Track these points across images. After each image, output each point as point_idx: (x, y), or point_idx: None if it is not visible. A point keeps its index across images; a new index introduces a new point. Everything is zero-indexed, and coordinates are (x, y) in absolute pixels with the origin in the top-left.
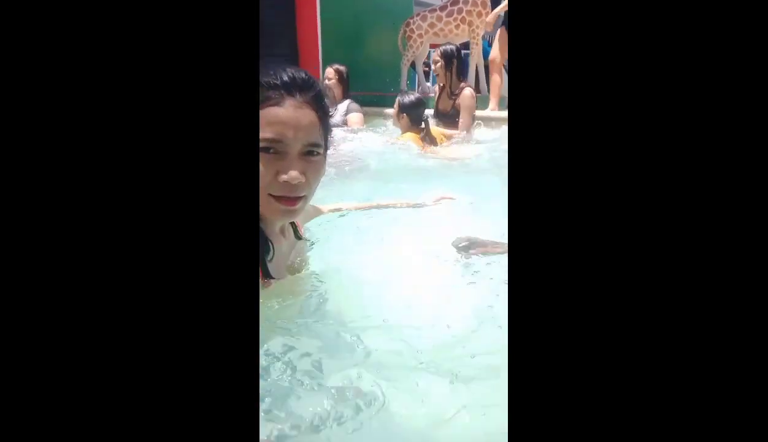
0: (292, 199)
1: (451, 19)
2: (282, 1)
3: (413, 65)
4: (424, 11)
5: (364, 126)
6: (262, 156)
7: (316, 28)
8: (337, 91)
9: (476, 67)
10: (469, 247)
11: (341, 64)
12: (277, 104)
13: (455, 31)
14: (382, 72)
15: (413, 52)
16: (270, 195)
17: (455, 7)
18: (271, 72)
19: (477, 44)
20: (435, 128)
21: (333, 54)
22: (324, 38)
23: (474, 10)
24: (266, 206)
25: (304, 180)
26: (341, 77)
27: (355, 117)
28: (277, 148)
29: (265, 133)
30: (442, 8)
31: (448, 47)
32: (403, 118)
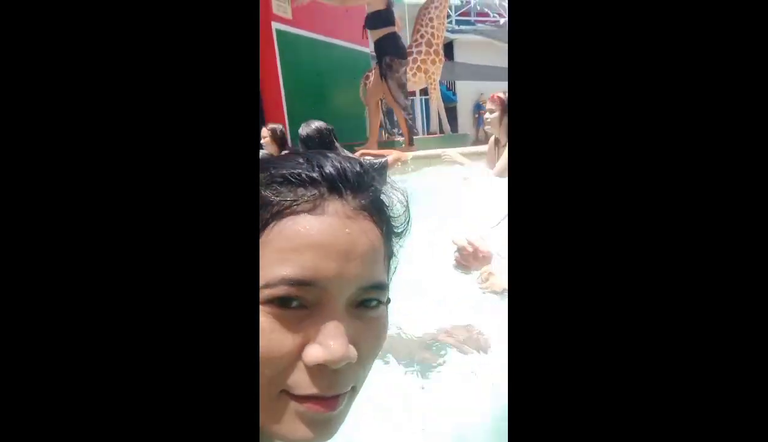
0: (329, 399)
1: (407, 68)
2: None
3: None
4: None
5: None
6: (273, 314)
7: (279, 87)
8: (273, 149)
9: (438, 111)
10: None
11: (277, 123)
12: (310, 211)
13: (413, 79)
14: (348, 123)
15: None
16: (285, 392)
17: (410, 58)
18: (300, 160)
19: (435, 89)
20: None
21: (298, 110)
22: (288, 98)
23: (428, 58)
24: (274, 414)
25: (355, 357)
26: (274, 135)
27: None
28: (308, 299)
29: (283, 268)
30: None
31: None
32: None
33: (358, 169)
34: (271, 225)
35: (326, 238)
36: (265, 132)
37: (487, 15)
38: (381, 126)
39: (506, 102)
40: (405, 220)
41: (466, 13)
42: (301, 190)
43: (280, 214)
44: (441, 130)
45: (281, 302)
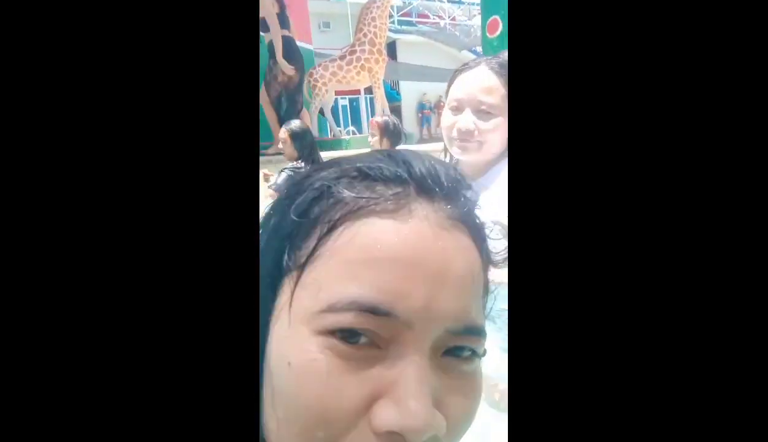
0: None
1: (351, 67)
2: None
3: (321, 112)
4: (325, 61)
5: None
6: (334, 351)
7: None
8: (290, 151)
9: (382, 110)
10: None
11: (294, 122)
12: (393, 213)
13: (357, 77)
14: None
15: (320, 99)
16: None
17: (353, 56)
18: (380, 156)
19: (379, 88)
20: None
21: None
22: None
23: (372, 58)
24: None
25: (442, 427)
26: (293, 135)
27: None
28: (382, 336)
29: (353, 288)
30: (342, 57)
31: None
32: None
33: (453, 173)
34: (340, 229)
35: (414, 250)
36: (283, 133)
37: (427, 17)
38: (330, 127)
39: (384, 126)
40: (504, 247)
41: (408, 14)
42: (381, 188)
43: (354, 214)
44: None
45: (346, 336)
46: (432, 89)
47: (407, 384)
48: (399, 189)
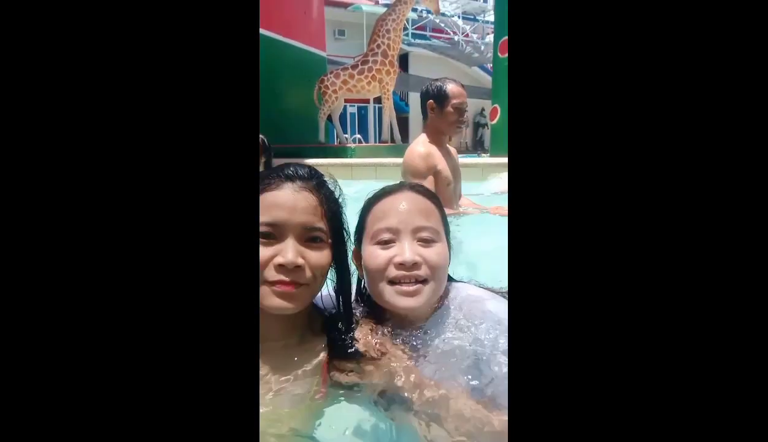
0: (289, 283)
1: (362, 76)
2: None
3: (330, 118)
4: (337, 69)
5: None
6: (261, 244)
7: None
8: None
9: (389, 121)
10: None
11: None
12: (275, 189)
13: (367, 87)
14: (299, 125)
15: (329, 106)
16: (266, 281)
17: (366, 66)
18: (275, 168)
19: (388, 99)
20: None
21: None
22: None
23: (383, 68)
24: (263, 297)
25: (302, 264)
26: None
27: None
28: (274, 233)
29: (262, 217)
30: (354, 66)
31: None
32: None
33: (306, 169)
34: (260, 197)
35: (282, 201)
36: None
37: (441, 31)
38: (336, 134)
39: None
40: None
41: (422, 28)
42: (270, 179)
43: (262, 190)
44: (392, 139)
45: (264, 236)
46: None
47: (287, 249)
48: (280, 177)
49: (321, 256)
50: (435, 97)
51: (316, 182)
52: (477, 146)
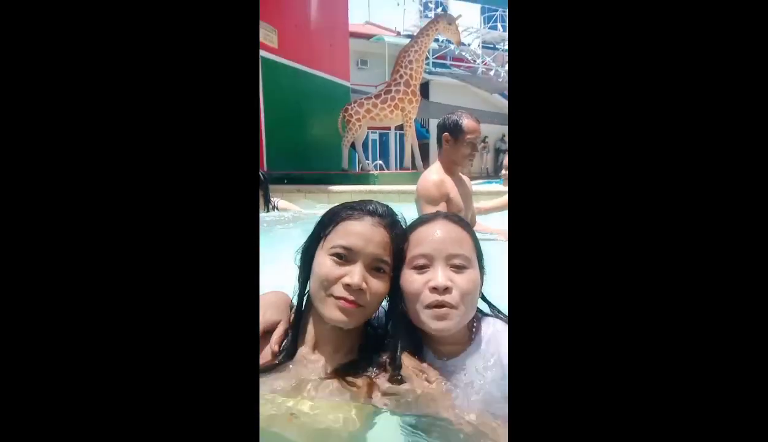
0: (351, 301)
1: (385, 105)
2: None
3: (353, 146)
4: (361, 98)
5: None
6: (332, 260)
7: (259, 112)
8: None
9: (411, 147)
10: None
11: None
12: (356, 219)
13: (390, 116)
14: (325, 152)
15: (352, 134)
16: (332, 295)
17: (389, 95)
18: (360, 202)
19: (410, 126)
20: None
21: (276, 136)
22: (267, 122)
23: (406, 98)
24: (325, 303)
25: (365, 288)
26: None
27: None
28: (348, 256)
29: (339, 240)
30: (377, 96)
31: None
32: None
33: (385, 208)
34: (342, 224)
35: (360, 231)
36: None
37: (462, 60)
38: (359, 160)
39: None
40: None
41: (443, 57)
42: (353, 211)
43: (345, 219)
44: (414, 166)
45: (336, 255)
46: None
47: (355, 272)
48: (362, 212)
49: (381, 285)
50: (450, 131)
51: (390, 221)
52: (498, 171)
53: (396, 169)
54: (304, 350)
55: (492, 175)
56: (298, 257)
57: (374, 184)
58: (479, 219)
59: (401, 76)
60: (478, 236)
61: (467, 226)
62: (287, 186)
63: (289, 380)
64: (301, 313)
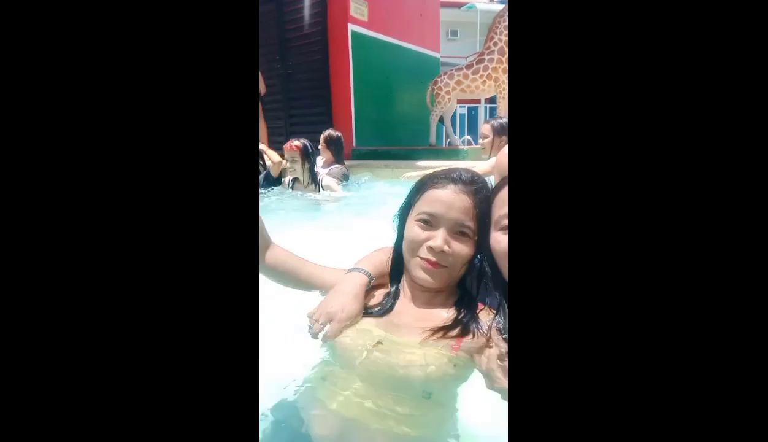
0: (434, 263)
1: (477, 76)
2: (317, 65)
3: (441, 120)
4: (451, 70)
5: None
6: (419, 225)
7: (349, 87)
8: (327, 155)
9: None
10: None
11: (335, 131)
12: (440, 187)
13: (482, 86)
14: (413, 127)
15: (441, 107)
16: (418, 256)
17: (481, 65)
18: (445, 170)
19: (503, 98)
20: None
21: (365, 111)
22: (356, 97)
23: (499, 67)
24: (412, 264)
25: (448, 251)
26: (328, 141)
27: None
28: (431, 221)
29: (424, 207)
30: (468, 66)
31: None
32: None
33: (471, 175)
34: (428, 191)
35: (443, 198)
36: (486, 129)
37: None
38: (446, 134)
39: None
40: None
41: None
42: (439, 179)
43: (431, 186)
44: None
45: (422, 221)
46: None
47: (439, 236)
48: (447, 179)
49: (464, 248)
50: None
51: (475, 188)
52: None
53: None
54: (399, 306)
55: None
56: (395, 223)
57: (463, 159)
58: None
59: (495, 44)
60: None
61: (481, 198)
62: (375, 161)
63: (385, 323)
64: (400, 273)
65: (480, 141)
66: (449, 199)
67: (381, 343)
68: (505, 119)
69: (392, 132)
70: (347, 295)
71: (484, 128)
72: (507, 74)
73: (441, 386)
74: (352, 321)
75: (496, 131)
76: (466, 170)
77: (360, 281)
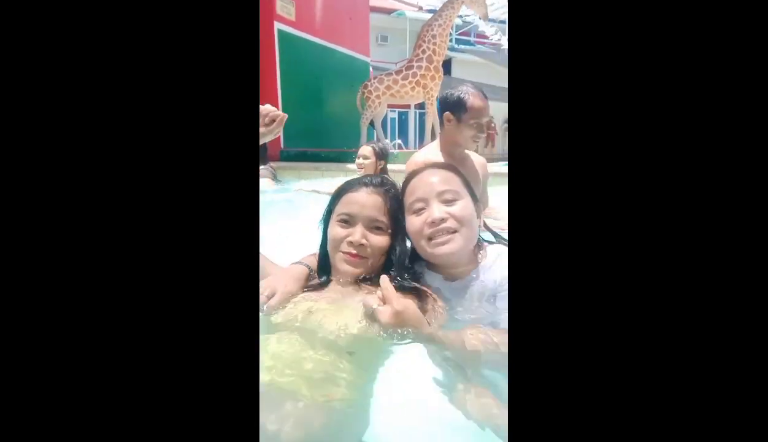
0: (355, 254)
1: (406, 82)
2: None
3: (372, 124)
4: (381, 74)
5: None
6: (339, 225)
7: (276, 86)
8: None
9: (432, 126)
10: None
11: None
12: (354, 191)
13: (411, 92)
14: (342, 129)
15: (372, 111)
16: (341, 251)
17: (410, 72)
18: (358, 178)
19: (432, 104)
20: None
21: (293, 112)
22: (284, 96)
23: (428, 74)
24: (337, 259)
25: (366, 243)
26: (376, 153)
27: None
28: (349, 220)
29: (342, 209)
30: (398, 72)
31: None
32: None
33: (380, 178)
34: (346, 195)
35: (357, 199)
36: (368, 151)
37: (486, 37)
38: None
39: (379, 151)
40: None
41: (467, 33)
42: (355, 184)
43: (348, 191)
44: None
45: (342, 221)
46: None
47: (356, 232)
48: (360, 183)
49: (380, 239)
50: (453, 109)
51: (385, 189)
52: None
53: (415, 148)
54: (331, 287)
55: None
56: (321, 226)
57: (393, 162)
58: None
59: (423, 52)
60: (487, 236)
61: (450, 167)
62: (305, 163)
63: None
64: (327, 270)
65: (358, 161)
66: (363, 200)
67: (352, 353)
68: (388, 144)
69: (322, 134)
70: (289, 277)
71: (365, 150)
72: (434, 82)
73: (364, 345)
74: (291, 296)
75: (378, 155)
76: (375, 176)
77: (301, 269)
